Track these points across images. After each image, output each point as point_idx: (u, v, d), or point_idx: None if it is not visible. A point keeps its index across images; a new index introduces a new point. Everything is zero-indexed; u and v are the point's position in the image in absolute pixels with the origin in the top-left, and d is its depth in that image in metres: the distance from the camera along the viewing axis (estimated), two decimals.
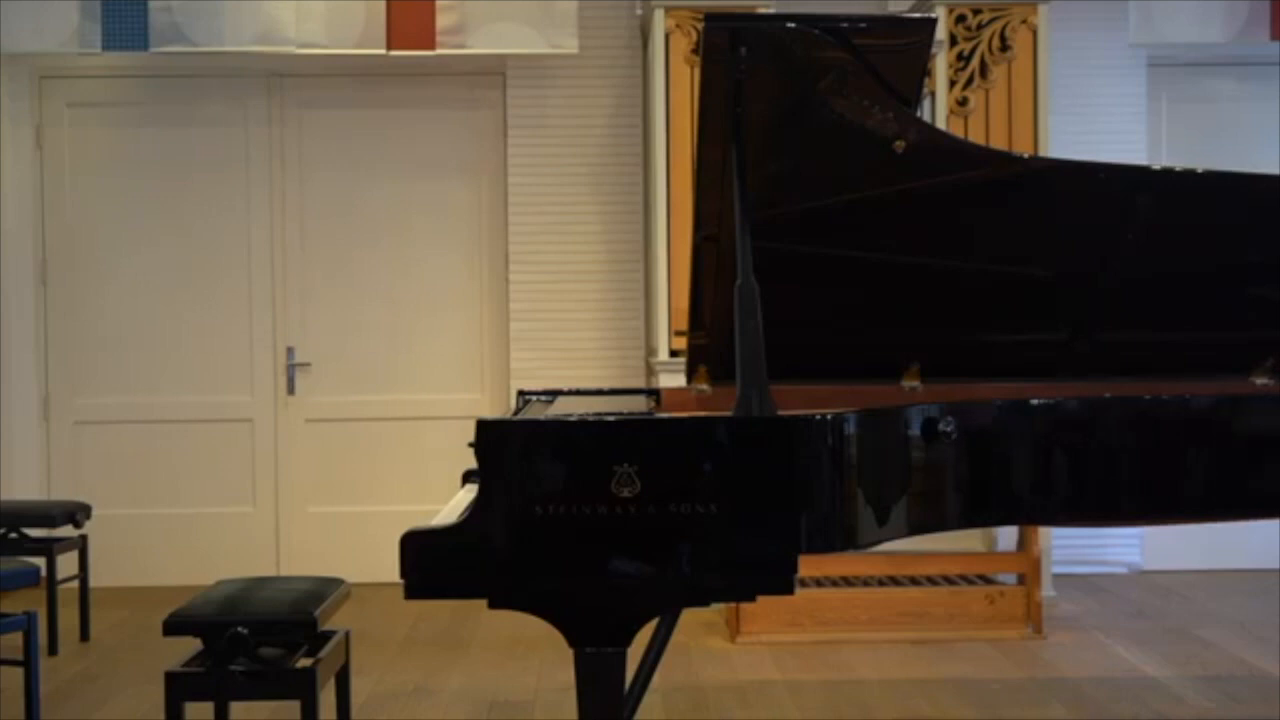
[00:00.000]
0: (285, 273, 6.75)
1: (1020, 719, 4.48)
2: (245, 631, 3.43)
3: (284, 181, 6.76)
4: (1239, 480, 3.47)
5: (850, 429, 3.01)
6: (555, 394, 4.03)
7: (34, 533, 5.46)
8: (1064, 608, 5.99)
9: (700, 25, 3.33)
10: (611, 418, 3.11)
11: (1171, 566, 6.70)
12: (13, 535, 5.37)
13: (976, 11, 6.11)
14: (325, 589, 3.75)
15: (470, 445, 2.96)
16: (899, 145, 3.41)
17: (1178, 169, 4.04)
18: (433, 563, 2.92)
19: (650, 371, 6.17)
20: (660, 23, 6.02)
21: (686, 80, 5.93)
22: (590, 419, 3.10)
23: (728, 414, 3.00)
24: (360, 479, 6.78)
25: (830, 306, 3.75)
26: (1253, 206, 3.74)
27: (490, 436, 2.94)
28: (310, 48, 6.14)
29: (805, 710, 4.58)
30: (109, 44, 6.06)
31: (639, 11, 6.54)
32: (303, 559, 6.66)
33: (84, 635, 5.56)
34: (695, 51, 5.80)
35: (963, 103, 6.10)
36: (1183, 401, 3.45)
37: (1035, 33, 6.09)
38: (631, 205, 6.68)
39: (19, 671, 4.20)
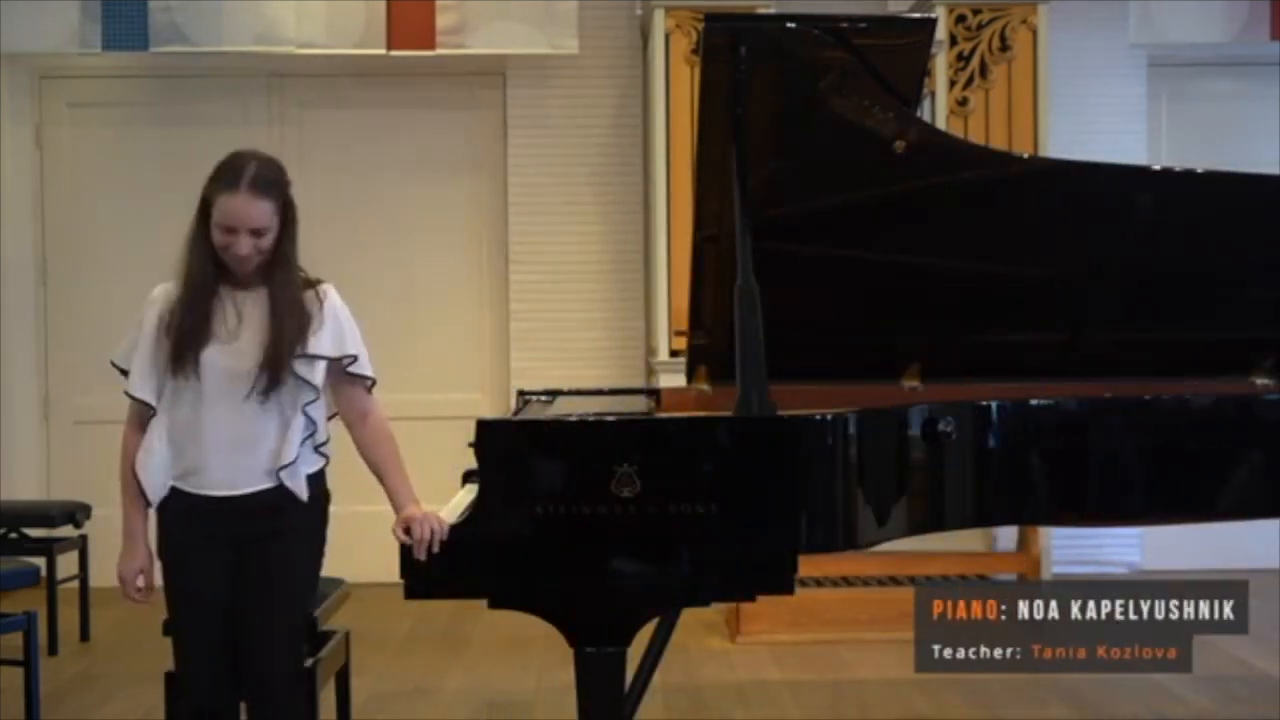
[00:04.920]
0: None
1: (1020, 719, 4.48)
2: None
3: None
4: (1238, 480, 3.48)
5: (850, 429, 3.01)
6: (555, 394, 4.03)
7: (34, 533, 5.46)
8: None
9: (700, 25, 3.33)
10: (611, 418, 3.11)
11: (1171, 566, 6.69)
12: (13, 535, 5.37)
13: (976, 11, 6.11)
14: (325, 589, 3.74)
15: (470, 445, 2.97)
16: (899, 145, 3.41)
17: (1178, 169, 4.05)
18: (433, 562, 2.93)
19: (650, 371, 6.16)
20: (660, 23, 6.01)
21: (686, 80, 5.93)
22: (590, 419, 3.11)
23: (728, 414, 3.00)
24: (360, 478, 6.69)
25: (830, 306, 3.75)
26: (1253, 206, 3.74)
27: (490, 436, 2.95)
28: (310, 48, 6.13)
29: (805, 710, 4.58)
30: (109, 44, 6.06)
31: (639, 11, 6.53)
32: None
33: (84, 635, 5.56)
34: (695, 51, 5.79)
35: (963, 103, 6.10)
36: (1182, 401, 3.45)
37: (1035, 33, 6.08)
38: (631, 205, 6.67)
39: (19, 671, 4.20)
